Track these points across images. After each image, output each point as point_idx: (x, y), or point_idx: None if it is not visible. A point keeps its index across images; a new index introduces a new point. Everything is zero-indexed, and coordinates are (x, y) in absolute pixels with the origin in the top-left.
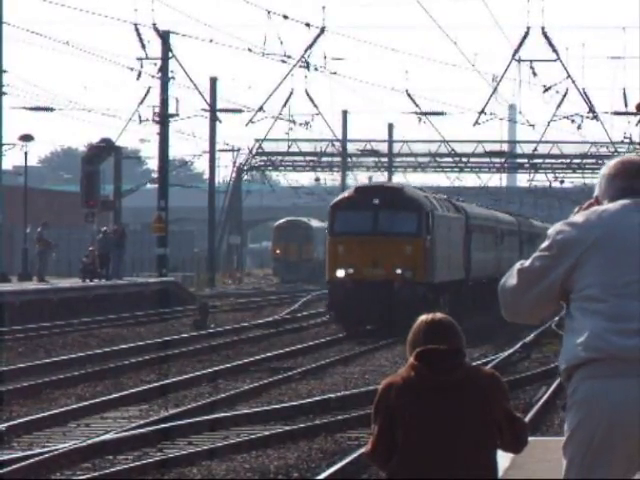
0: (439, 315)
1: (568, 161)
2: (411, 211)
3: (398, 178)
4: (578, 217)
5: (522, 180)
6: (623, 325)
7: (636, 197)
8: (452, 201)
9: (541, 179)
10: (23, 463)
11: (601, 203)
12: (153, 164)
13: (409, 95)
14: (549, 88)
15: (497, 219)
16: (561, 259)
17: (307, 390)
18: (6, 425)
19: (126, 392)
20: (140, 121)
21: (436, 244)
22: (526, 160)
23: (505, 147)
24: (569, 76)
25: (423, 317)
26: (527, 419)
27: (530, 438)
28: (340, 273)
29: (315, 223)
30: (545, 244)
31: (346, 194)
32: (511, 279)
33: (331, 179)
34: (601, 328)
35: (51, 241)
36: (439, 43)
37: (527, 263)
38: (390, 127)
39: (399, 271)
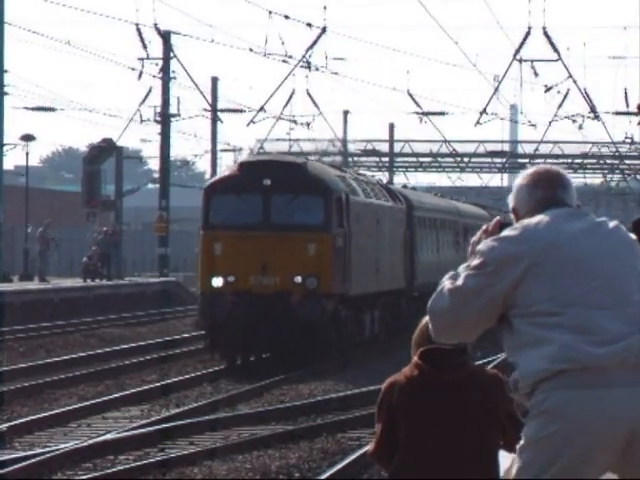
0: None
1: (569, 161)
2: (316, 195)
3: (399, 178)
4: (511, 232)
5: None
6: (590, 335)
7: (561, 206)
8: (387, 186)
9: None
10: (24, 463)
11: (519, 215)
12: (154, 164)
13: (410, 95)
14: (550, 88)
15: (459, 212)
16: (499, 276)
17: (308, 390)
18: (7, 425)
19: (127, 392)
20: (141, 121)
21: (354, 242)
22: (527, 160)
23: (506, 147)
24: (570, 76)
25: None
26: None
27: None
28: (217, 282)
29: None
30: (478, 261)
31: (226, 172)
32: (441, 300)
33: None
34: (568, 339)
35: (52, 237)
36: (440, 43)
37: (459, 282)
38: (391, 127)
39: (298, 279)
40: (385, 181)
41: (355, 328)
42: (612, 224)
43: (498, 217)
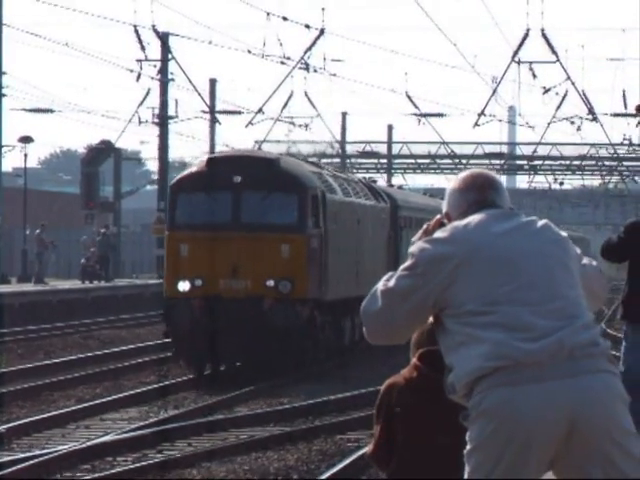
0: None
1: (568, 163)
2: (289, 193)
3: (397, 180)
4: (441, 233)
5: (522, 182)
6: (520, 332)
7: (491, 208)
8: (370, 184)
9: (541, 181)
10: (22, 465)
11: (452, 218)
12: (153, 165)
13: (408, 97)
14: (549, 90)
15: None
16: (429, 277)
17: (306, 392)
18: (6, 427)
19: (126, 393)
20: (140, 123)
21: (331, 243)
22: (525, 162)
23: (505, 149)
24: (569, 78)
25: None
26: None
27: None
28: (183, 286)
29: None
30: (408, 263)
31: (194, 168)
32: (374, 301)
33: None
34: (500, 337)
35: (49, 240)
36: (439, 44)
37: (391, 283)
38: (390, 128)
39: (271, 283)
40: (384, 183)
41: (333, 335)
42: (540, 223)
43: (439, 216)
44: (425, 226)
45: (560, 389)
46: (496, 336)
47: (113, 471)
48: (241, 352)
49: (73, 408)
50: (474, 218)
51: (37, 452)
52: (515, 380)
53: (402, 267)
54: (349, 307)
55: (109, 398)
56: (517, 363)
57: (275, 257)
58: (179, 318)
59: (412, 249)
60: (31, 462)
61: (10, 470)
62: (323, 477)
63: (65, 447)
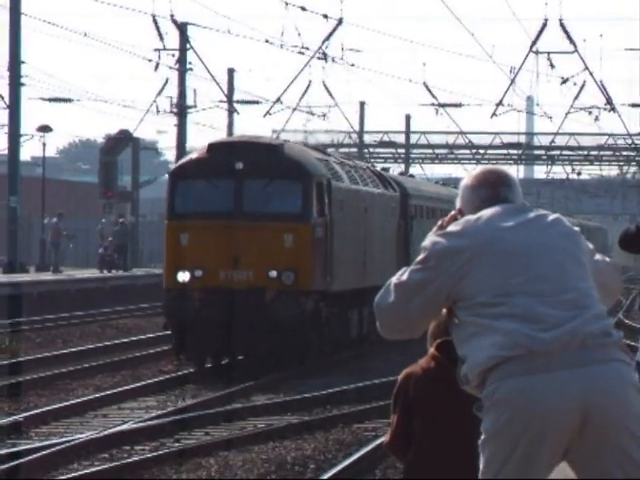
0: None
1: (585, 153)
2: (293, 180)
3: (415, 170)
4: (453, 228)
5: (539, 172)
6: (532, 322)
7: (503, 204)
8: (379, 172)
9: (558, 171)
10: (41, 453)
11: (465, 214)
12: (171, 155)
13: (426, 87)
14: (567, 80)
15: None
16: (441, 270)
17: (324, 382)
18: (24, 415)
19: (144, 382)
20: (158, 112)
21: (336, 232)
22: (543, 152)
23: (522, 139)
24: (586, 68)
25: None
26: None
27: None
28: (183, 277)
29: None
30: (421, 256)
31: (194, 155)
32: (387, 295)
33: None
34: (512, 327)
35: (65, 232)
36: (457, 35)
37: (404, 277)
38: (407, 118)
39: (273, 274)
40: (399, 172)
41: (339, 328)
42: (552, 217)
43: (453, 212)
44: (440, 222)
45: (572, 378)
46: (508, 326)
47: (131, 460)
48: (242, 345)
49: (91, 397)
50: (486, 212)
51: (55, 440)
52: (528, 369)
53: (415, 261)
54: (357, 298)
55: (127, 387)
56: (529, 352)
57: (278, 247)
58: (178, 310)
59: (425, 243)
60: (49, 450)
61: (28, 459)
62: (341, 467)
63: (83, 436)
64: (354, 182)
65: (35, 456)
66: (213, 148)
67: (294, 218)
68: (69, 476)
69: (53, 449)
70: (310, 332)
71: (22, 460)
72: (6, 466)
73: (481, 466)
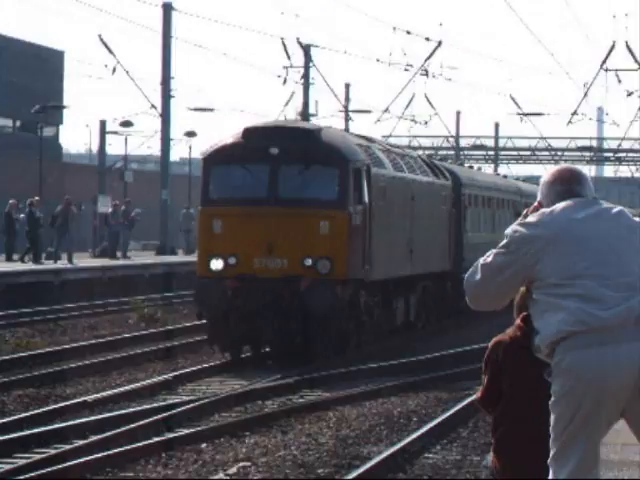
0: None
1: None
2: (330, 166)
3: (503, 169)
4: (531, 219)
5: (608, 171)
6: (594, 303)
7: (575, 198)
8: (431, 161)
9: (625, 170)
10: (187, 407)
11: (543, 206)
12: None
13: (512, 98)
14: (631, 93)
15: (520, 191)
16: (519, 254)
17: (426, 348)
18: (173, 375)
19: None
20: (285, 120)
21: (377, 220)
22: (612, 154)
23: (594, 143)
24: None
25: None
26: None
27: None
28: (216, 265)
29: None
30: (504, 242)
31: (229, 140)
32: (475, 273)
33: None
34: (577, 306)
35: (135, 216)
36: (538, 54)
37: (489, 259)
38: (496, 126)
39: (309, 262)
40: (491, 171)
41: (381, 316)
42: (616, 210)
43: (536, 203)
44: (524, 211)
45: (628, 351)
46: (573, 305)
47: (262, 413)
48: (276, 335)
49: (227, 360)
50: (559, 205)
51: (199, 395)
52: (589, 343)
53: (499, 245)
54: (401, 287)
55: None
56: (591, 328)
57: (314, 235)
58: (212, 299)
59: (507, 231)
60: (193, 404)
61: (177, 410)
62: (439, 419)
63: (222, 392)
64: (399, 169)
65: (183, 409)
66: (248, 133)
67: (330, 205)
68: (212, 425)
69: (197, 403)
70: (346, 321)
71: (173, 412)
72: (160, 416)
73: (551, 422)
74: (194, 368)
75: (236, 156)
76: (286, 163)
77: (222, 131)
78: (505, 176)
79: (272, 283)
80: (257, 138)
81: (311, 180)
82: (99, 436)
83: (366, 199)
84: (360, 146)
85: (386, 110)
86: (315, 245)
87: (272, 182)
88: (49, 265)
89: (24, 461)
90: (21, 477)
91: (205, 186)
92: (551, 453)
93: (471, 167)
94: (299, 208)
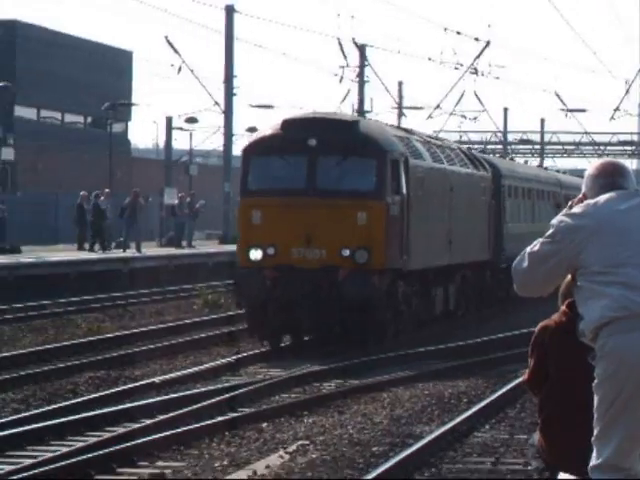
0: None
1: None
2: (367, 157)
3: (548, 162)
4: (576, 209)
5: None
6: (636, 290)
7: (618, 190)
8: (471, 152)
9: None
10: (249, 388)
11: (587, 198)
12: None
13: (557, 95)
14: None
15: (560, 183)
16: (565, 243)
17: (467, 336)
18: (236, 357)
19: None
20: None
21: (414, 210)
22: None
23: (635, 137)
24: None
25: None
26: None
27: None
28: (255, 255)
29: None
30: (550, 232)
31: (268, 131)
32: (522, 261)
33: None
34: (620, 293)
35: (199, 207)
36: (582, 53)
37: (536, 248)
38: (542, 121)
39: (346, 252)
40: (536, 165)
41: (420, 305)
42: None
43: (580, 195)
44: (570, 202)
45: None
46: (616, 292)
47: (319, 394)
48: (314, 326)
49: (289, 343)
50: (603, 197)
51: (260, 377)
52: (631, 328)
53: (545, 235)
54: (441, 276)
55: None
56: (633, 314)
57: (351, 225)
58: (251, 289)
59: (553, 221)
60: (256, 386)
61: (243, 391)
62: (488, 400)
63: (283, 374)
64: (437, 161)
65: (246, 389)
66: (287, 124)
67: (368, 196)
68: (272, 405)
69: (259, 384)
70: (384, 311)
71: (238, 392)
72: (223, 397)
73: (595, 403)
74: (257, 351)
75: (275, 147)
76: (324, 154)
77: None
78: (546, 168)
79: (310, 273)
80: (295, 129)
81: (349, 171)
82: (166, 415)
83: (404, 190)
84: (398, 137)
85: (437, 107)
86: (353, 235)
87: (310, 173)
88: (119, 254)
89: (94, 439)
90: (93, 454)
91: (244, 177)
92: (595, 433)
93: (512, 159)
94: (337, 199)
